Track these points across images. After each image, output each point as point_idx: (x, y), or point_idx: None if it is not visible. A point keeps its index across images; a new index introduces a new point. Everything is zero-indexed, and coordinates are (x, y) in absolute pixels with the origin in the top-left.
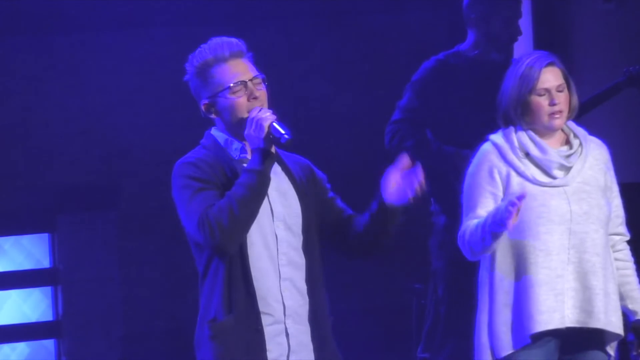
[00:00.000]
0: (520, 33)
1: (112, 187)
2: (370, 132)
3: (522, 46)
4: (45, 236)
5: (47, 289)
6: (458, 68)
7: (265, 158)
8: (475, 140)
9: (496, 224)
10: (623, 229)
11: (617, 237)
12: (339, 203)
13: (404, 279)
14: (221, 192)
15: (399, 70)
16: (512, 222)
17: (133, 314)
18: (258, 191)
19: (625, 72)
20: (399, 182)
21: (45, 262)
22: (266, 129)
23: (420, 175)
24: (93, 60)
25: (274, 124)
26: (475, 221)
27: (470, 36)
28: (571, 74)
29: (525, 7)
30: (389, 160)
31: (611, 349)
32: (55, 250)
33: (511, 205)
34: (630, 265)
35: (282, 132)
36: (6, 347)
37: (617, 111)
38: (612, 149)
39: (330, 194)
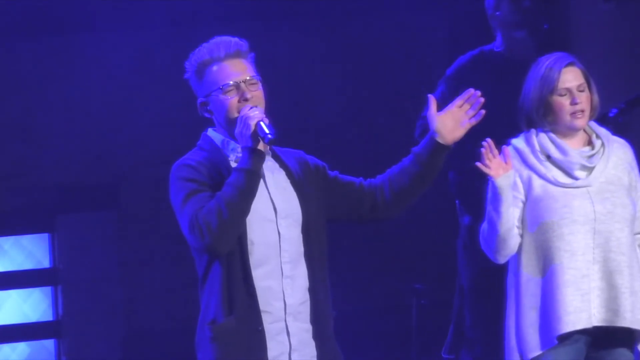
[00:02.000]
0: (537, 25)
1: (112, 187)
2: (368, 132)
3: None
4: (45, 236)
5: (47, 289)
6: (492, 65)
7: (253, 157)
8: (501, 140)
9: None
10: None
11: None
12: (344, 177)
13: (404, 279)
14: (216, 193)
15: (399, 71)
16: (488, 166)
17: (133, 314)
18: (247, 190)
19: None
20: (449, 118)
21: (45, 262)
22: (253, 127)
23: (470, 96)
24: (93, 61)
25: (261, 122)
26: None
27: (497, 34)
28: None
29: None
30: (393, 160)
31: None
32: (55, 250)
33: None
34: None
35: (267, 131)
36: (6, 347)
37: None
38: (636, 149)
39: (331, 173)
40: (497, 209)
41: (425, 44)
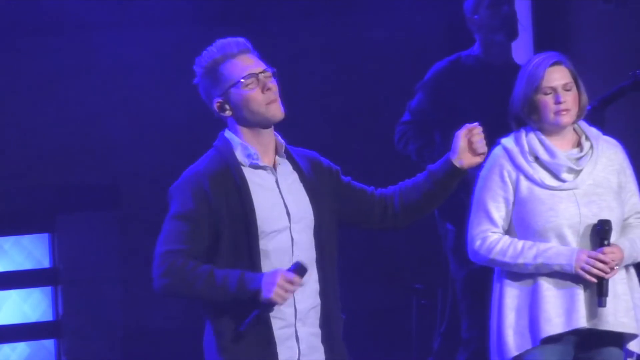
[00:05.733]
0: (514, 29)
1: (112, 187)
2: (367, 132)
3: (522, 46)
4: (45, 236)
5: (47, 289)
6: (470, 69)
7: (251, 296)
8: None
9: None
10: None
11: (636, 220)
12: (356, 184)
13: (404, 279)
14: (201, 224)
15: (399, 71)
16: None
17: (133, 314)
18: (223, 298)
19: (630, 75)
20: (469, 142)
21: (45, 262)
22: (276, 302)
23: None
24: (93, 60)
25: (268, 309)
26: (505, 239)
27: (476, 37)
28: None
29: (525, 8)
30: (390, 160)
31: (636, 347)
32: (55, 250)
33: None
34: None
35: (245, 321)
36: (6, 347)
37: (633, 111)
38: (627, 148)
39: (344, 178)
40: (541, 272)
41: (423, 44)
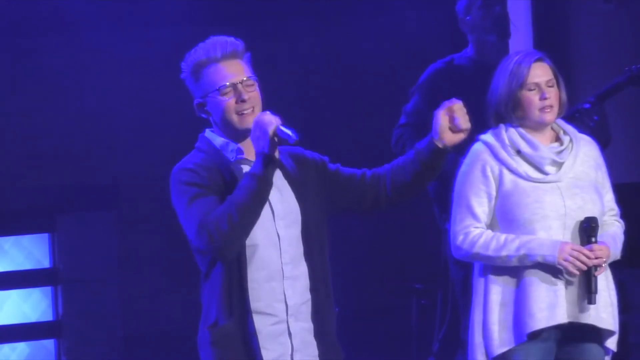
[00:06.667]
0: (506, 30)
1: (112, 187)
2: (367, 132)
3: (522, 47)
4: (45, 236)
5: (47, 289)
6: (464, 70)
7: (267, 163)
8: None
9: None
10: (616, 217)
11: (611, 218)
12: (346, 170)
13: (404, 279)
14: (220, 196)
15: (399, 72)
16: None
17: (133, 314)
18: (259, 196)
19: (626, 71)
20: (451, 120)
21: (45, 262)
22: (271, 134)
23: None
24: (93, 60)
25: (281, 127)
26: (488, 232)
27: (469, 39)
28: (571, 74)
29: (525, 7)
30: (389, 161)
31: (612, 345)
32: (55, 250)
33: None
34: (618, 226)
35: (290, 133)
36: (6, 347)
37: (618, 111)
38: (614, 148)
39: (331, 166)
40: (524, 264)
41: (423, 44)
